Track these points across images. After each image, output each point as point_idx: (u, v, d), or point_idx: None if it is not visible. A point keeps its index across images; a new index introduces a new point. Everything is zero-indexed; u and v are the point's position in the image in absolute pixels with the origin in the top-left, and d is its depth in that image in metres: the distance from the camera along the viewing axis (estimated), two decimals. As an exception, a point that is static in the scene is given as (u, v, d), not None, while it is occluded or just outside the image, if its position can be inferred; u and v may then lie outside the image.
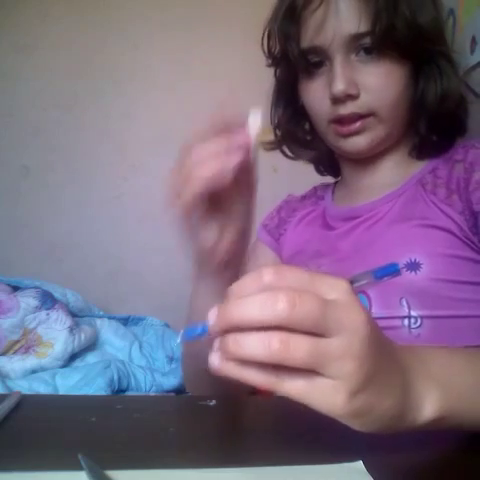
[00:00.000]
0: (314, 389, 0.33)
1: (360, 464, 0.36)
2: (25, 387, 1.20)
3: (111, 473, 0.35)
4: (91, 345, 1.48)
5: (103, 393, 1.19)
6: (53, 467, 0.36)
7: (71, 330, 1.38)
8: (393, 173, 0.72)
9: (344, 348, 0.33)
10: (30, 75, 1.82)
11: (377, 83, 0.64)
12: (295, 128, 0.79)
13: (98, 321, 1.58)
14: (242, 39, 1.47)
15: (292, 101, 0.77)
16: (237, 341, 0.33)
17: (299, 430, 0.44)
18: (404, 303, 0.62)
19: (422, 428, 0.38)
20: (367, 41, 0.63)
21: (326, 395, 0.33)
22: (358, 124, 0.65)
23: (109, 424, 0.48)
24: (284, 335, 0.32)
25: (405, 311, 0.62)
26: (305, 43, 0.67)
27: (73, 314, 1.50)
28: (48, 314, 1.39)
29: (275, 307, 0.31)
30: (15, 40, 1.81)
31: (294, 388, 0.33)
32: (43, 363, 1.33)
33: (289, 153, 0.80)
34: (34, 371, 1.32)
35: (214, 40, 1.73)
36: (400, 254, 0.64)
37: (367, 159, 0.72)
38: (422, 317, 0.61)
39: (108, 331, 1.56)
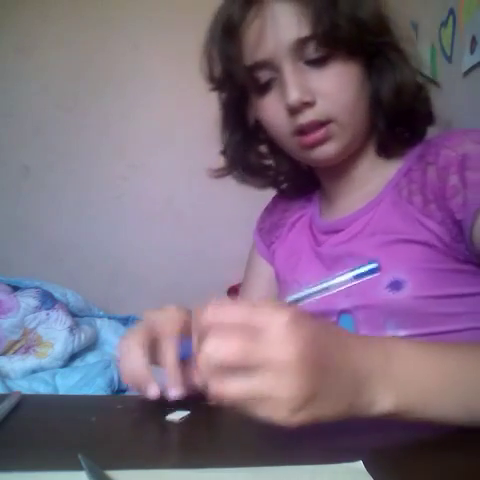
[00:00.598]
0: (257, 409, 0.37)
1: (360, 464, 0.36)
2: (25, 387, 1.20)
3: (111, 473, 0.35)
4: (91, 345, 1.48)
5: (103, 393, 1.19)
6: (53, 467, 0.36)
7: (71, 330, 1.38)
8: (369, 178, 0.70)
9: (273, 384, 0.36)
10: (30, 75, 1.82)
11: (331, 87, 0.61)
12: (246, 153, 0.75)
13: (98, 321, 1.58)
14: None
15: (241, 124, 0.73)
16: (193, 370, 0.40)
17: (299, 430, 0.44)
18: (391, 324, 0.61)
19: (377, 419, 0.40)
20: (312, 45, 0.60)
21: (268, 412, 0.37)
22: (322, 131, 0.62)
23: (109, 424, 0.48)
24: (220, 377, 0.37)
25: (393, 332, 0.61)
26: (249, 60, 0.63)
27: (73, 314, 1.50)
28: (48, 314, 1.39)
29: (204, 352, 0.37)
30: (15, 40, 1.81)
31: (243, 406, 0.38)
32: (43, 363, 1.33)
33: (239, 179, 0.76)
34: (34, 371, 1.32)
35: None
36: (384, 272, 0.62)
37: (340, 167, 0.69)
38: (410, 336, 0.61)
39: (108, 331, 1.56)
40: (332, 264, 0.69)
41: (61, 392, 1.23)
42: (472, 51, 1.35)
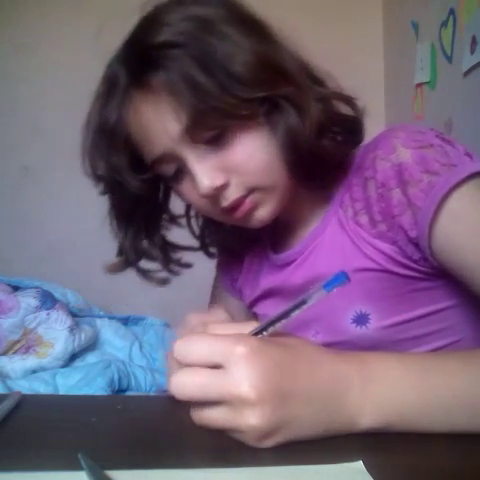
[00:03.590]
0: (232, 434, 0.41)
1: (360, 464, 0.36)
2: (25, 387, 1.20)
3: (111, 473, 0.35)
4: (91, 345, 1.48)
5: (103, 393, 1.19)
6: (53, 467, 0.36)
7: (71, 330, 1.38)
8: (313, 207, 0.67)
9: (235, 416, 0.39)
10: (30, 75, 1.82)
11: (239, 160, 0.58)
12: (149, 245, 0.75)
13: (98, 321, 1.58)
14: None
15: (134, 218, 0.73)
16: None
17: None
18: None
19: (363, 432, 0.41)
20: (200, 129, 0.56)
21: (240, 438, 0.40)
22: (248, 202, 0.59)
23: (109, 424, 0.48)
24: (197, 407, 0.42)
25: None
26: (147, 158, 0.61)
27: (73, 314, 1.50)
28: (48, 314, 1.39)
29: (170, 389, 0.41)
30: (15, 40, 1.81)
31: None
32: (43, 363, 1.33)
33: (141, 273, 0.74)
34: (34, 371, 1.32)
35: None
36: (345, 308, 0.61)
37: (280, 214, 0.65)
38: None
39: (108, 331, 1.56)
40: (295, 296, 0.66)
41: (61, 392, 1.23)
42: (472, 51, 1.35)
